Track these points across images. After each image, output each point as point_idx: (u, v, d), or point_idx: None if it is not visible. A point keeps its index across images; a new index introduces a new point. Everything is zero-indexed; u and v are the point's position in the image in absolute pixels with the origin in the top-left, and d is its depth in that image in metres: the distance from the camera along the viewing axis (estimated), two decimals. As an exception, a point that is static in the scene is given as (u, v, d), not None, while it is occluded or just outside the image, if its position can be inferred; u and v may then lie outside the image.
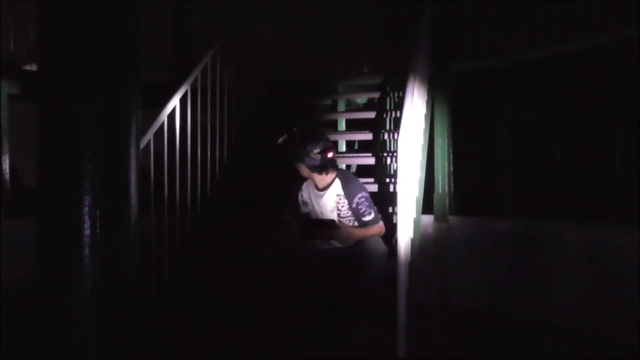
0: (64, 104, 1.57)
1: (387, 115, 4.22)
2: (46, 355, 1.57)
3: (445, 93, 4.54)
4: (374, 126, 4.16)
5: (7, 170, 4.73)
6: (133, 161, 1.63)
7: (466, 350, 3.60)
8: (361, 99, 5.21)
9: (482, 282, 4.44)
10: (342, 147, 4.61)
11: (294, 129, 3.14)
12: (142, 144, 3.02)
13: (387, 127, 4.17)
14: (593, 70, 4.68)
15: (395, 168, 3.72)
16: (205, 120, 3.69)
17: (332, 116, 4.72)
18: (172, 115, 3.34)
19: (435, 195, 4.60)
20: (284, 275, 3.01)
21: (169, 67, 5.16)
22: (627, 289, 3.61)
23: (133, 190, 1.62)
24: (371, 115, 4.29)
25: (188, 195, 3.46)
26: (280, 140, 3.11)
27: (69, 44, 1.57)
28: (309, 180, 3.15)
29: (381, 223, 2.98)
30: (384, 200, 3.42)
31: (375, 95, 4.61)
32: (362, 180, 3.43)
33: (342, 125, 4.69)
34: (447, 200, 4.61)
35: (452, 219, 4.62)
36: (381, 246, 2.88)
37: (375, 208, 3.00)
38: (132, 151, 1.63)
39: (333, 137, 3.98)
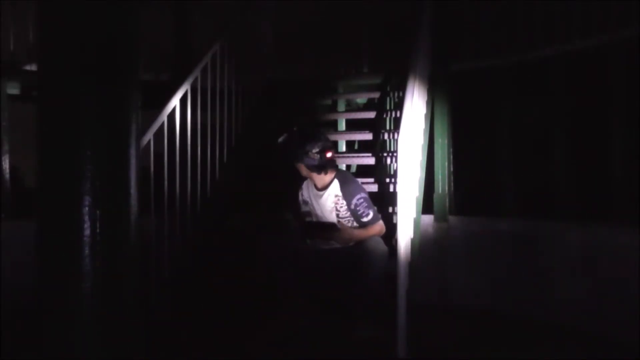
0: (64, 104, 1.58)
1: (387, 115, 4.22)
2: (46, 355, 1.57)
3: (445, 93, 4.54)
4: (374, 126, 4.16)
5: (7, 170, 4.73)
6: (133, 161, 1.63)
7: (466, 350, 3.60)
8: (361, 99, 5.20)
9: (482, 282, 4.44)
10: (342, 147, 4.61)
11: (294, 129, 3.14)
12: (142, 144, 3.02)
13: (387, 127, 4.17)
14: (593, 70, 4.68)
15: (395, 168, 3.72)
16: (205, 120, 3.69)
17: (332, 116, 4.72)
18: (172, 115, 3.34)
19: (435, 195, 4.60)
20: (284, 275, 3.01)
21: (169, 67, 5.16)
22: (627, 289, 3.61)
23: (133, 190, 1.63)
24: (371, 115, 4.29)
25: (188, 195, 3.46)
26: (280, 140, 3.11)
27: (69, 44, 1.57)
28: (309, 180, 3.15)
29: (381, 222, 2.98)
30: (384, 200, 3.42)
31: (375, 95, 4.61)
32: (362, 180, 3.43)
33: (342, 125, 4.69)
34: (447, 200, 4.61)
35: (452, 219, 4.62)
36: (381, 246, 2.88)
37: (375, 208, 3.00)
38: (132, 151, 1.63)
39: (333, 137, 3.98)
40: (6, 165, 4.72)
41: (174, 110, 3.35)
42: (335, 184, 3.04)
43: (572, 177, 4.73)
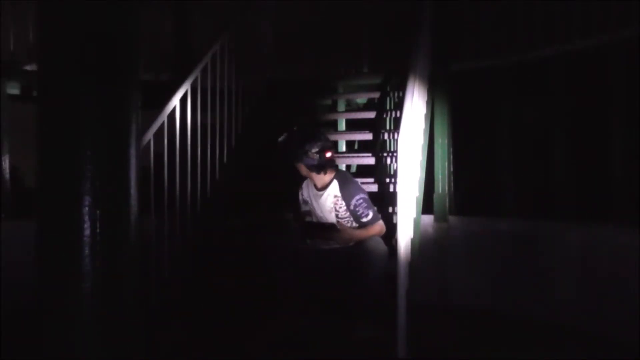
0: (64, 104, 1.58)
1: (387, 115, 4.22)
2: (46, 355, 1.57)
3: (445, 93, 4.54)
4: (374, 126, 4.16)
5: (7, 170, 4.73)
6: (133, 161, 1.63)
7: (466, 350, 3.60)
8: (361, 99, 5.21)
9: (482, 282, 4.44)
10: (342, 147, 4.61)
11: (294, 128, 3.14)
12: (142, 144, 3.02)
13: (387, 127, 4.17)
14: (593, 70, 4.68)
15: (395, 168, 3.72)
16: (205, 120, 3.69)
17: (332, 116, 4.72)
18: (172, 115, 3.34)
19: (435, 195, 4.60)
20: (284, 275, 3.01)
21: (169, 67, 5.16)
22: (627, 289, 3.61)
23: (133, 190, 1.63)
24: (371, 115, 4.29)
25: (188, 195, 3.46)
26: (280, 140, 3.12)
27: (69, 44, 1.57)
28: (309, 179, 3.15)
29: (381, 222, 2.98)
30: (384, 200, 3.42)
31: (375, 95, 4.61)
32: (362, 180, 3.43)
33: (342, 125, 4.69)
34: (447, 200, 4.61)
35: (452, 219, 4.62)
36: (381, 246, 2.88)
37: (375, 208, 3.00)
38: (132, 151, 1.63)
39: (333, 137, 3.98)
40: (6, 165, 4.72)
41: (174, 110, 3.35)
42: (335, 184, 3.04)
43: (572, 177, 4.74)
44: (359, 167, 4.41)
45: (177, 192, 3.34)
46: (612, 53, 4.44)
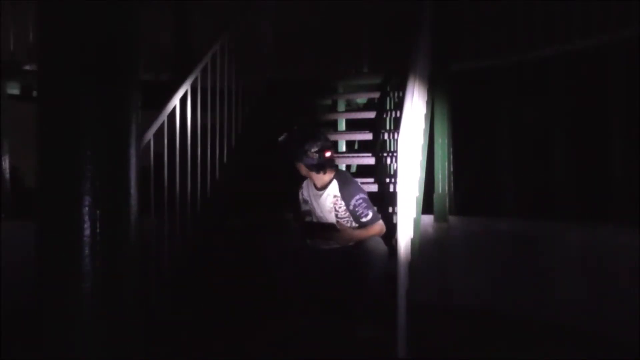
0: (64, 104, 1.58)
1: (387, 115, 4.22)
2: (46, 355, 1.57)
3: (445, 93, 4.54)
4: (374, 126, 4.16)
5: (7, 170, 4.73)
6: (133, 161, 1.63)
7: (466, 350, 3.60)
8: (361, 99, 5.21)
9: (482, 282, 4.44)
10: (342, 147, 4.61)
11: (294, 128, 3.15)
12: (142, 144, 3.02)
13: (387, 127, 4.17)
14: (593, 70, 4.68)
15: (395, 168, 3.72)
16: (205, 120, 3.69)
17: (332, 116, 4.72)
18: (172, 115, 3.34)
19: (435, 195, 4.60)
20: (284, 275, 3.01)
21: (169, 67, 5.15)
22: (627, 289, 3.60)
23: (133, 190, 1.63)
24: (371, 115, 4.29)
25: (188, 195, 3.46)
26: (280, 139, 3.12)
27: (69, 44, 1.57)
28: (309, 179, 3.15)
29: (381, 222, 2.98)
30: (384, 200, 3.42)
31: (375, 95, 4.61)
32: (362, 180, 3.43)
33: (342, 125, 4.69)
34: (447, 200, 4.61)
35: (452, 219, 4.62)
36: (381, 246, 2.88)
37: (375, 208, 3.00)
38: (132, 151, 1.63)
39: (333, 137, 3.98)
40: (6, 165, 4.72)
41: (174, 110, 3.35)
42: (334, 184, 3.04)
43: (572, 177, 4.74)
44: (359, 167, 4.41)
45: (177, 192, 3.34)
46: (612, 53, 4.44)
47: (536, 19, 4.80)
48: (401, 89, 3.81)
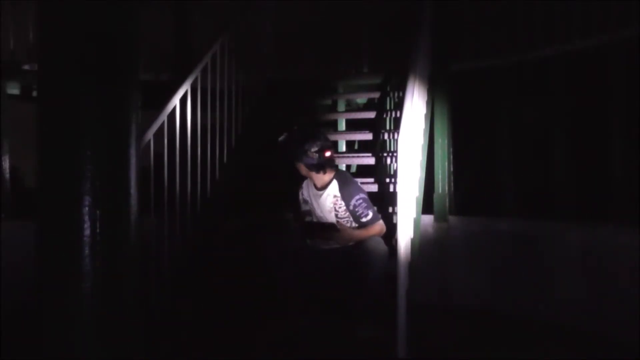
0: (64, 104, 1.58)
1: (387, 115, 4.22)
2: (46, 355, 1.57)
3: (445, 93, 4.54)
4: (374, 126, 4.16)
5: (7, 170, 4.73)
6: (133, 161, 1.63)
7: (466, 350, 3.60)
8: (361, 99, 5.21)
9: (482, 282, 4.44)
10: (342, 147, 4.61)
11: (294, 128, 3.15)
12: (142, 144, 3.02)
13: (387, 127, 4.17)
14: (593, 70, 4.69)
15: (395, 168, 3.72)
16: (205, 120, 3.69)
17: (332, 116, 4.72)
18: (172, 115, 3.33)
19: (435, 195, 4.60)
20: (284, 275, 3.01)
21: (169, 67, 5.16)
22: (627, 289, 3.61)
23: (133, 190, 1.63)
24: (371, 115, 4.29)
25: (188, 195, 3.46)
26: (280, 139, 3.12)
27: (69, 44, 1.57)
28: (309, 179, 3.15)
29: (381, 222, 2.97)
30: (384, 200, 3.42)
31: (375, 95, 4.61)
32: (362, 180, 3.43)
33: (342, 125, 4.69)
34: (447, 200, 4.61)
35: (452, 219, 4.62)
36: (381, 246, 2.88)
37: (375, 208, 3.00)
38: (132, 151, 1.63)
39: (333, 137, 3.98)
40: (6, 165, 4.72)
41: (174, 110, 3.34)
42: (334, 184, 3.04)
43: (572, 177, 4.74)
44: (359, 167, 4.41)
45: (177, 192, 3.34)
46: (612, 53, 4.44)
47: (536, 19, 4.80)
48: (401, 89, 3.81)
